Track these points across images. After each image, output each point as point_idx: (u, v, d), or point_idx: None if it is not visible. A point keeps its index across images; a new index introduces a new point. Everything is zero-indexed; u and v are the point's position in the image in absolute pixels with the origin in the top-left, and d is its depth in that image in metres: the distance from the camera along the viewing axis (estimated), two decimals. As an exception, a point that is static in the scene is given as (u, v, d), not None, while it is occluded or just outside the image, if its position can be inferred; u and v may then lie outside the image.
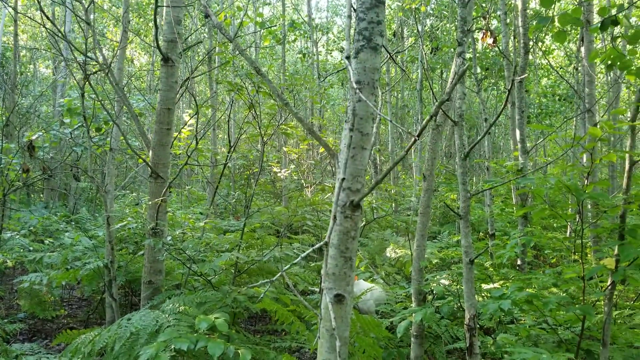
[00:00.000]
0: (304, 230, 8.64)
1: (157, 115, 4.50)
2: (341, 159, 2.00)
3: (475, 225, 9.13)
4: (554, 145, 18.06)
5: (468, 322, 2.84)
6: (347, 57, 2.07)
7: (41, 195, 14.13)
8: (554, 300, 3.14)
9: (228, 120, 4.64)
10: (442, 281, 4.39)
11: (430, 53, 11.88)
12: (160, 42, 4.37)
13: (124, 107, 5.57)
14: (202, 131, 4.39)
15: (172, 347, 3.17)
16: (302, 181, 7.50)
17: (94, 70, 4.31)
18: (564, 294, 4.23)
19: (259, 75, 2.04)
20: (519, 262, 6.18)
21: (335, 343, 1.94)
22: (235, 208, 8.37)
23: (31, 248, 7.25)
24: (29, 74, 17.66)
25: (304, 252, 7.05)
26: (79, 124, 7.57)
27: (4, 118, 11.70)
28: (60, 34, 4.10)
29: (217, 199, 8.61)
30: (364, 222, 6.95)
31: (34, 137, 8.04)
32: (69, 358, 3.84)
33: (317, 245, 1.90)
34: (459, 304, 3.67)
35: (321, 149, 7.55)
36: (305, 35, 14.65)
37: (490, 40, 5.66)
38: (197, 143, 4.24)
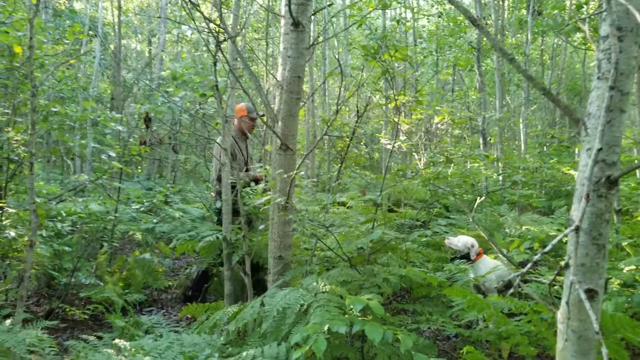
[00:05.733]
0: (405, 203, 8.30)
1: (287, 84, 4.28)
2: (591, 124, 1.64)
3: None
4: None
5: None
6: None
7: (138, 168, 14.64)
8: None
9: (358, 88, 4.36)
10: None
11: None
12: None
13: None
14: (341, 101, 4.10)
15: (325, 329, 2.96)
16: (415, 153, 7.12)
17: (223, 38, 4.17)
18: None
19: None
20: None
21: (585, 346, 1.62)
22: (366, 184, 8.02)
23: (140, 220, 7.45)
24: (125, 48, 18.24)
25: (410, 226, 6.75)
26: (184, 93, 7.61)
27: (108, 92, 12.16)
28: (192, 4, 3.98)
29: (321, 173, 8.45)
30: (482, 197, 6.50)
31: (143, 109, 8.21)
32: (209, 333, 3.81)
33: (567, 231, 1.56)
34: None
35: (438, 118, 7.10)
36: (400, 1, 13.98)
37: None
38: (337, 112, 3.99)
